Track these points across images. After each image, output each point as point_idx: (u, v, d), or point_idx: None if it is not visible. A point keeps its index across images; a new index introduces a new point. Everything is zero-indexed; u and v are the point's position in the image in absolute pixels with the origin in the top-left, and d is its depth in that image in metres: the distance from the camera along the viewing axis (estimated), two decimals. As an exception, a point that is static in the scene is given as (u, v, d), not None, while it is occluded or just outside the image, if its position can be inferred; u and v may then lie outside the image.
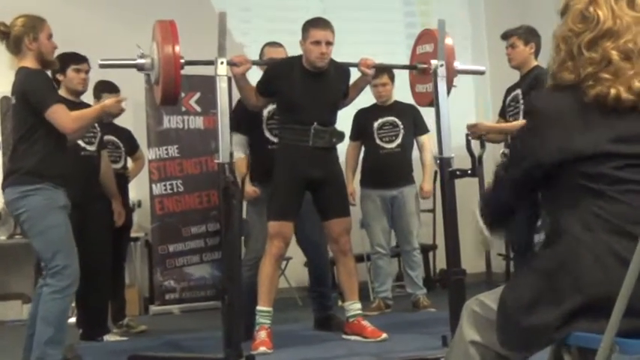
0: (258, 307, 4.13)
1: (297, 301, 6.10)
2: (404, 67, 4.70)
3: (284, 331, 4.41)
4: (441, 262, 6.18)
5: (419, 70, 4.30)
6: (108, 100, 3.91)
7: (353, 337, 4.26)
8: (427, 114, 5.10)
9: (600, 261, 1.75)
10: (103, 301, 4.73)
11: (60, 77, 4.48)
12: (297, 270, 6.13)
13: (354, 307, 4.30)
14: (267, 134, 4.54)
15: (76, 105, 4.45)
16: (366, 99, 5.50)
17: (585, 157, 1.81)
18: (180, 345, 4.45)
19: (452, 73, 4.12)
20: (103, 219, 4.68)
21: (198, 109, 6.23)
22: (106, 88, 4.89)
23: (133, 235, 5.86)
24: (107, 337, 4.67)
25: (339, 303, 4.89)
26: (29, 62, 3.64)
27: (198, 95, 6.20)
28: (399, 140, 5.40)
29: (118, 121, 5.21)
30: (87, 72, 4.53)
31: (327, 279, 4.74)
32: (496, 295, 1.98)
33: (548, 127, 1.86)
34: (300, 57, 4.26)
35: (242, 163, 4.41)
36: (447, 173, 3.85)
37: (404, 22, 7.53)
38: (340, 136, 4.31)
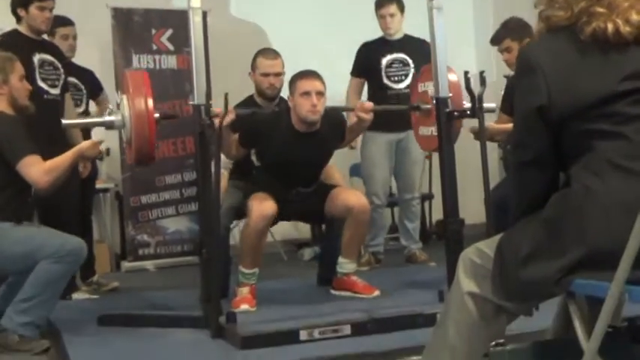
0: (241, 269, 4.14)
1: (282, 256, 6.13)
2: (404, 109, 4.65)
3: (269, 288, 4.43)
4: (437, 212, 6.21)
5: (422, 112, 4.25)
6: (84, 143, 3.80)
7: (342, 293, 4.30)
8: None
9: (607, 210, 1.76)
10: None
11: (21, 13, 4.39)
12: (281, 222, 6.14)
13: (349, 266, 4.33)
14: None
15: (37, 44, 4.42)
16: (372, 30, 5.41)
17: (596, 101, 1.81)
18: (155, 303, 4.47)
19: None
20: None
21: (171, 47, 6.16)
22: (58, 21, 4.76)
23: (102, 186, 5.86)
24: (76, 296, 4.68)
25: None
26: (3, 106, 3.62)
27: (170, 32, 6.12)
28: (408, 80, 5.28)
29: (81, 61, 5.15)
30: (51, 10, 4.44)
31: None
32: (496, 243, 2.00)
33: (550, 79, 1.85)
34: (288, 113, 4.19)
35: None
36: (443, 114, 3.84)
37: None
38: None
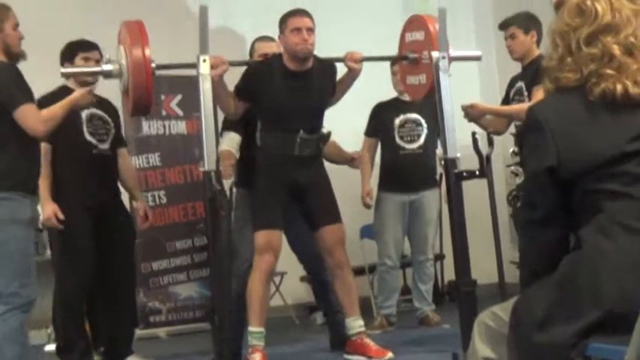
0: (250, 329, 4.13)
1: (293, 320, 6.09)
2: (393, 58, 4.71)
3: (280, 353, 4.40)
4: (449, 273, 6.16)
5: (410, 61, 4.32)
6: (76, 92, 3.87)
7: (355, 357, 4.27)
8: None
9: (620, 272, 1.76)
10: (130, 324, 4.69)
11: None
12: (292, 286, 6.12)
13: (355, 323, 4.30)
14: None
15: None
16: (384, 90, 5.47)
17: (605, 161, 1.83)
18: (168, 372, 4.44)
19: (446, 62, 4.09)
20: (125, 227, 4.61)
21: (180, 112, 6.20)
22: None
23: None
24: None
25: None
26: None
27: (179, 97, 6.17)
28: (421, 141, 5.33)
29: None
30: (97, 61, 4.39)
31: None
32: (511, 306, 1.99)
33: (559, 138, 1.87)
34: (280, 56, 4.24)
35: (228, 154, 4.36)
36: (453, 175, 3.86)
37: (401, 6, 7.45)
38: (326, 139, 4.36)
